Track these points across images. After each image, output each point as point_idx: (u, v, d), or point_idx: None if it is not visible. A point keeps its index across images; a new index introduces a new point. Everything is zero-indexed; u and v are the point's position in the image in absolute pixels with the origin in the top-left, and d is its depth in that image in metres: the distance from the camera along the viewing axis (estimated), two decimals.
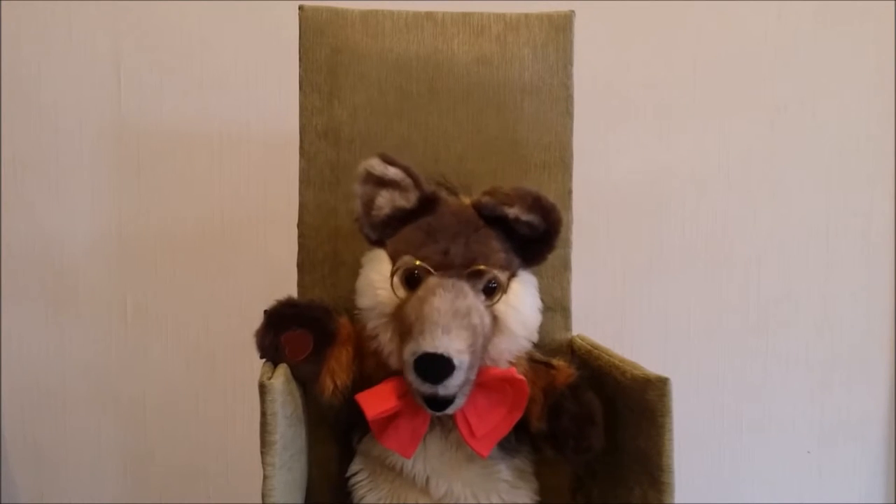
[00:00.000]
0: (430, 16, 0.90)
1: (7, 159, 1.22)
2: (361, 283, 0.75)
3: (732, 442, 1.32)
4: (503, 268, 0.73)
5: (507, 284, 0.73)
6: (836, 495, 1.34)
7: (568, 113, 0.90)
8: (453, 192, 0.79)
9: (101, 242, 1.24)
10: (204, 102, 1.23)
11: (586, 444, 0.73)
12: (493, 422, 0.73)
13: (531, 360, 0.77)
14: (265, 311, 0.76)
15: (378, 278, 0.73)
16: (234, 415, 1.26)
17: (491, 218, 0.73)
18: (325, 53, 0.88)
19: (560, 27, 0.91)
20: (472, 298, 0.69)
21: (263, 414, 0.65)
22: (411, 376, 0.66)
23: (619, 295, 1.29)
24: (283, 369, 0.72)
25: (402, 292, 0.71)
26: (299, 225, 0.88)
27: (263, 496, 0.65)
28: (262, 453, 0.65)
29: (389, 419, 0.73)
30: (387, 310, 0.72)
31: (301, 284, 0.88)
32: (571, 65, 0.91)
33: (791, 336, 1.31)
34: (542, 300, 0.79)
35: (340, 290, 0.85)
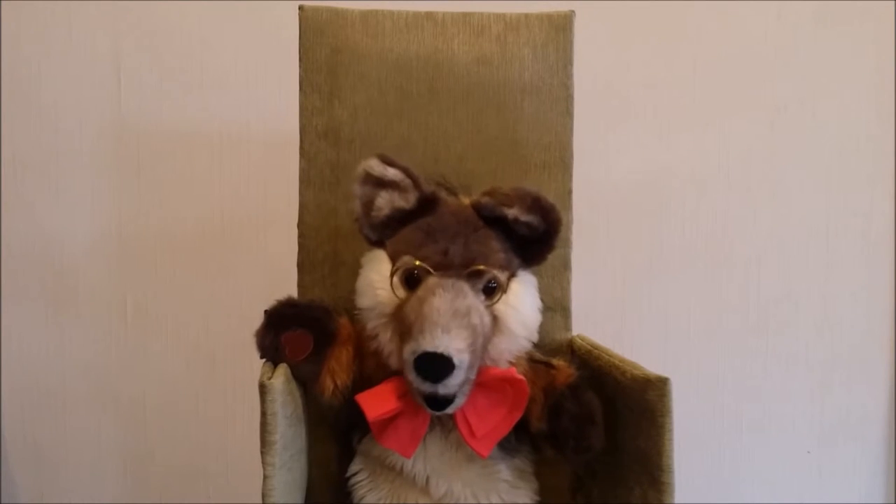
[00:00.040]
0: (430, 16, 0.90)
1: (7, 159, 1.22)
2: (361, 283, 0.75)
3: (732, 442, 1.32)
4: (503, 268, 0.73)
5: (507, 284, 0.73)
6: (836, 495, 1.34)
7: (568, 113, 0.90)
8: (453, 192, 0.79)
9: (101, 242, 1.24)
10: (204, 102, 1.23)
11: (586, 444, 0.73)
12: (493, 422, 0.73)
13: (531, 360, 0.77)
14: (265, 311, 0.76)
15: (378, 278, 0.73)
16: (234, 415, 1.26)
17: (490, 218, 0.73)
18: (325, 53, 0.88)
19: (560, 27, 0.91)
20: (471, 298, 0.69)
21: (263, 414, 0.65)
22: (411, 375, 0.66)
23: (619, 295, 1.29)
24: (283, 369, 0.72)
25: (401, 292, 0.71)
26: (299, 225, 0.88)
27: (263, 496, 0.65)
28: (262, 453, 0.65)
29: (389, 419, 0.73)
30: (386, 310, 0.72)
31: (301, 284, 0.88)
32: (571, 65, 0.91)
33: (791, 336, 1.31)
34: (542, 300, 0.79)
35: (340, 290, 0.85)
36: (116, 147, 1.23)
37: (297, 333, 0.74)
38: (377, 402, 0.71)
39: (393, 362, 0.73)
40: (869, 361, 1.33)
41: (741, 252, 1.30)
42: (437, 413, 0.71)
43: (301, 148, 0.88)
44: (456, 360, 0.65)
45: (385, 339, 0.73)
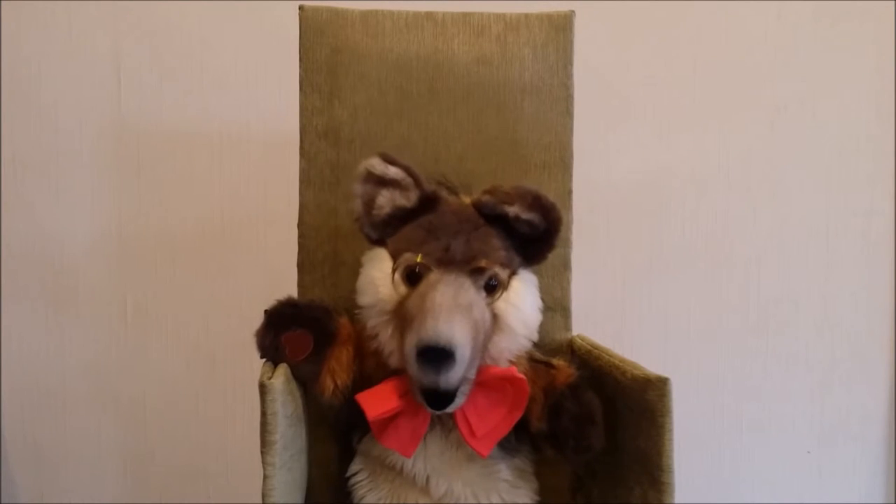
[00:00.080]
0: (430, 16, 0.90)
1: (7, 159, 1.22)
2: (362, 281, 0.75)
3: (732, 442, 1.32)
4: (504, 266, 0.73)
5: (508, 282, 0.73)
6: (836, 495, 1.34)
7: (568, 113, 0.90)
8: (454, 191, 0.79)
9: (101, 242, 1.24)
10: (204, 102, 1.23)
11: (586, 444, 0.73)
12: (494, 421, 0.73)
13: (531, 359, 0.77)
14: (265, 311, 0.76)
15: (379, 276, 0.73)
16: (234, 415, 1.26)
17: (491, 217, 0.73)
18: (325, 53, 0.88)
19: (560, 27, 0.91)
20: (473, 293, 0.69)
21: (263, 414, 0.65)
22: (413, 368, 0.66)
23: (619, 295, 1.29)
24: (283, 369, 0.72)
25: (403, 289, 0.71)
26: (299, 225, 0.88)
27: (263, 496, 0.65)
28: (262, 453, 0.65)
29: (389, 419, 0.73)
30: (388, 307, 0.72)
31: (301, 284, 0.88)
32: (571, 65, 0.91)
33: (791, 336, 1.31)
34: (542, 300, 0.79)
35: (340, 290, 0.85)
36: (116, 147, 1.23)
37: (298, 333, 0.74)
38: (377, 402, 0.71)
39: (393, 361, 0.73)
40: (869, 361, 1.33)
41: (741, 252, 1.30)
42: (437, 412, 0.71)
43: (301, 148, 0.88)
44: (458, 353, 0.65)
45: (385, 338, 0.73)
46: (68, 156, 1.23)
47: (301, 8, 0.89)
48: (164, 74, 1.22)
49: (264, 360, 0.74)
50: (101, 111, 1.22)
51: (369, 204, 0.74)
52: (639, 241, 1.28)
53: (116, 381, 1.26)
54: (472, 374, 0.70)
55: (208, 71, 1.22)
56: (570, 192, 0.90)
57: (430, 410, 0.71)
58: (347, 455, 0.81)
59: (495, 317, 0.72)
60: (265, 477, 0.65)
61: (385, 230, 0.75)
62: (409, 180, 0.73)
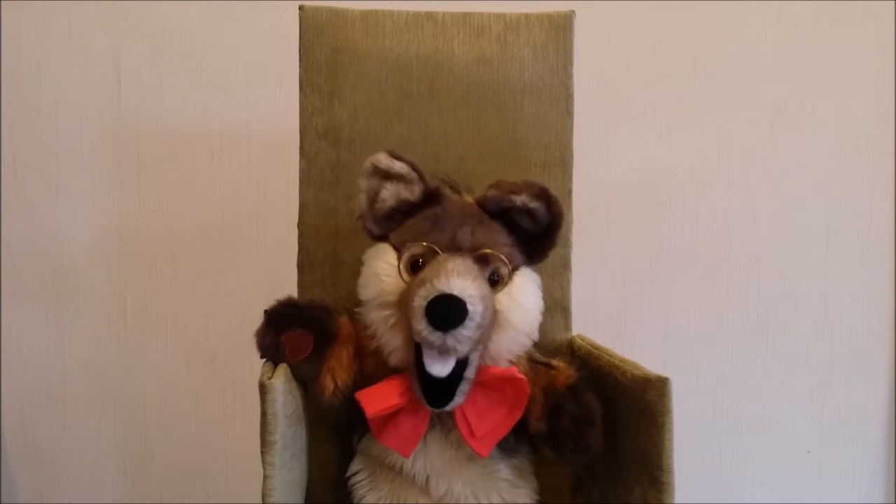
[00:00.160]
0: (430, 16, 0.90)
1: (7, 159, 1.22)
2: (365, 274, 0.75)
3: (732, 442, 1.32)
4: (507, 260, 0.73)
5: (510, 277, 0.73)
6: (836, 495, 1.34)
7: (568, 113, 0.90)
8: (456, 190, 0.79)
9: (101, 242, 1.24)
10: (204, 102, 1.23)
11: (585, 445, 0.73)
12: (493, 422, 0.73)
13: (531, 360, 0.77)
14: (265, 311, 0.76)
15: (383, 266, 0.73)
16: (234, 415, 1.26)
17: (495, 213, 0.73)
18: (325, 53, 0.88)
19: (560, 27, 0.91)
20: (480, 276, 0.69)
21: (263, 414, 0.65)
22: (420, 324, 0.65)
23: (619, 295, 1.29)
24: (283, 369, 0.72)
25: (408, 277, 0.71)
26: (299, 225, 0.88)
27: (263, 496, 0.65)
28: (262, 453, 0.65)
29: (389, 418, 0.73)
30: (391, 298, 0.71)
31: (301, 284, 0.88)
32: (571, 65, 0.91)
33: (791, 336, 1.31)
34: (543, 300, 0.78)
35: (340, 290, 0.85)
36: (116, 147, 1.23)
37: (298, 333, 0.74)
38: (376, 399, 0.71)
39: (393, 360, 0.73)
40: (869, 361, 1.33)
41: (741, 252, 1.30)
42: (437, 409, 0.71)
43: (301, 148, 0.88)
44: (470, 307, 0.64)
45: (386, 334, 0.72)
46: (68, 156, 1.23)
47: (301, 8, 0.89)
48: (164, 74, 1.22)
49: (264, 360, 0.74)
50: (101, 111, 1.22)
51: (373, 198, 0.74)
52: (639, 241, 1.28)
53: (116, 381, 1.26)
54: (471, 374, 0.70)
55: (208, 71, 1.22)
56: (570, 192, 0.90)
57: (429, 408, 0.71)
58: (347, 455, 0.81)
59: (496, 312, 0.71)
60: (265, 477, 0.65)
61: (388, 224, 0.75)
62: (413, 175, 0.74)
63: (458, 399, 0.70)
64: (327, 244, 0.87)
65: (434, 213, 0.73)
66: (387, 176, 0.73)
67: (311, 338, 0.75)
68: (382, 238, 0.76)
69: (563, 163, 0.90)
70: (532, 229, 0.74)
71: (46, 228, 1.23)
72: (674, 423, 0.67)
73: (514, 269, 0.74)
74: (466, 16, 0.90)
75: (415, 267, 0.71)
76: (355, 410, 0.72)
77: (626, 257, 1.29)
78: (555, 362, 0.77)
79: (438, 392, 0.69)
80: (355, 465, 0.80)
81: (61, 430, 1.26)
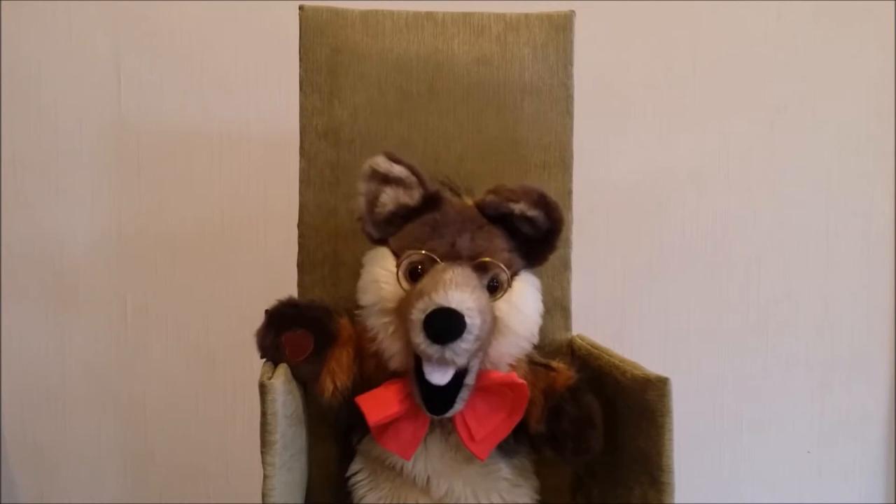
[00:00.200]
0: (430, 16, 0.90)
1: (7, 159, 1.22)
2: (364, 280, 0.75)
3: (732, 442, 1.32)
4: (506, 266, 0.73)
5: (510, 283, 0.73)
6: (836, 495, 1.34)
7: (568, 113, 0.90)
8: (456, 192, 0.78)
9: (101, 242, 1.24)
10: (204, 102, 1.23)
11: (585, 447, 0.73)
12: (492, 425, 0.72)
13: (531, 362, 0.77)
14: (266, 311, 0.76)
15: (382, 273, 0.73)
16: (234, 415, 1.26)
17: (494, 217, 0.73)
18: (325, 53, 0.88)
19: (560, 27, 0.91)
20: (479, 285, 0.69)
21: (263, 414, 0.65)
22: (418, 338, 0.65)
23: (619, 295, 1.29)
24: (283, 369, 0.72)
25: (406, 285, 0.71)
26: (299, 225, 0.88)
27: (263, 496, 0.65)
28: (262, 453, 0.65)
29: (389, 422, 0.73)
30: (390, 305, 0.72)
31: (301, 284, 0.88)
32: (571, 65, 0.91)
33: (791, 336, 1.31)
34: (542, 300, 0.78)
35: (340, 291, 0.85)
36: (116, 147, 1.23)
37: (298, 334, 0.74)
38: (378, 406, 0.71)
39: (393, 364, 0.73)
40: (869, 361, 1.33)
41: (741, 252, 1.30)
42: (437, 416, 0.71)
43: (301, 148, 0.88)
44: (468, 321, 0.64)
45: (386, 339, 0.72)
46: (68, 156, 1.23)
47: (301, 8, 0.89)
48: (164, 74, 1.22)
49: (264, 360, 0.74)
50: (101, 111, 1.22)
51: (372, 202, 0.74)
52: (639, 241, 1.28)
53: (116, 381, 1.26)
54: (471, 381, 0.70)
55: (208, 71, 1.22)
56: (570, 192, 0.90)
57: (429, 415, 0.71)
58: (347, 455, 0.81)
59: (496, 319, 0.71)
60: (265, 477, 0.65)
61: (387, 229, 0.75)
62: (412, 179, 0.73)
63: (459, 406, 0.70)
64: (327, 244, 0.87)
65: (433, 219, 0.73)
66: (385, 180, 0.73)
67: (312, 338, 0.74)
68: (382, 241, 0.75)
69: (563, 163, 0.90)
70: (532, 234, 0.73)
71: (46, 228, 1.23)
72: (674, 423, 0.67)
73: (514, 274, 0.74)
74: (466, 16, 0.90)
75: (413, 274, 0.71)
76: (355, 412, 0.72)
77: (626, 257, 1.29)
78: (555, 364, 0.77)
79: (438, 399, 0.69)
80: (355, 466, 0.80)
81: (61, 430, 1.26)
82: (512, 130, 0.89)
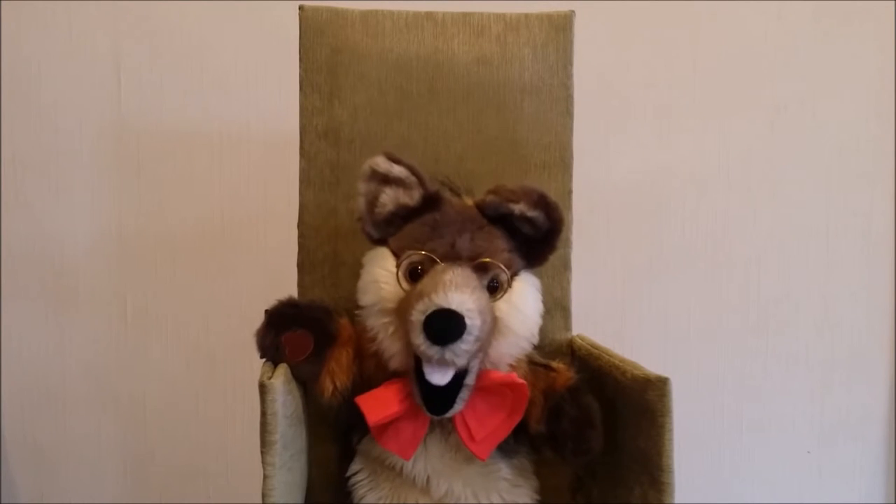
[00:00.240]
0: (430, 16, 0.90)
1: (7, 159, 1.22)
2: (364, 280, 0.75)
3: (732, 442, 1.32)
4: (506, 266, 0.73)
5: (510, 284, 0.73)
6: (836, 495, 1.34)
7: (568, 113, 0.90)
8: (456, 192, 0.78)
9: (101, 242, 1.24)
10: (204, 102, 1.23)
11: (585, 447, 0.73)
12: (493, 425, 0.72)
13: (531, 362, 0.77)
14: (266, 311, 0.76)
15: (382, 273, 0.73)
16: (234, 415, 1.26)
17: (494, 217, 0.73)
18: (325, 53, 0.88)
19: (560, 27, 0.91)
20: (479, 286, 0.69)
21: (263, 414, 0.65)
22: (419, 339, 0.65)
23: (619, 295, 1.29)
24: (283, 369, 0.72)
25: (406, 285, 0.71)
26: (299, 225, 0.88)
27: (263, 496, 0.65)
28: (262, 453, 0.65)
29: (389, 422, 0.73)
30: (389, 305, 0.72)
31: (301, 284, 0.88)
32: (571, 65, 0.91)
33: (791, 336, 1.31)
34: (542, 300, 0.78)
35: (340, 291, 0.85)
36: (116, 147, 1.23)
37: (298, 334, 0.74)
38: (378, 407, 0.71)
39: (393, 364, 0.73)
40: (869, 361, 1.33)
41: (741, 252, 1.30)
42: (437, 417, 0.71)
43: (301, 148, 0.88)
44: (468, 321, 0.64)
45: (386, 340, 0.72)
46: (68, 156, 1.23)
47: (301, 8, 0.89)
48: (164, 74, 1.22)
49: (264, 360, 0.74)
50: (101, 111, 1.22)
51: (372, 202, 0.74)
52: (639, 241, 1.28)
53: (116, 381, 1.26)
54: (471, 381, 0.70)
55: (208, 71, 1.22)
56: (570, 192, 0.90)
57: (429, 415, 0.71)
58: (347, 455, 0.81)
59: (496, 319, 0.71)
60: (265, 477, 0.65)
61: (387, 229, 0.75)
62: (412, 179, 0.73)
63: (459, 406, 0.70)
64: (327, 244, 0.87)
65: (433, 219, 0.73)
66: (385, 180, 0.73)
67: (312, 338, 0.74)
68: (382, 242, 0.75)
69: (563, 163, 0.90)
70: (532, 235, 0.73)
71: (46, 228, 1.23)
72: (674, 423, 0.67)
73: (514, 274, 0.74)
74: (466, 16, 0.90)
75: (413, 274, 0.71)
76: (355, 412, 0.72)
77: (626, 257, 1.29)
78: (554, 364, 0.77)
79: (438, 399, 0.69)
80: (355, 466, 0.80)
81: (61, 430, 1.26)
82: (512, 130, 0.89)
